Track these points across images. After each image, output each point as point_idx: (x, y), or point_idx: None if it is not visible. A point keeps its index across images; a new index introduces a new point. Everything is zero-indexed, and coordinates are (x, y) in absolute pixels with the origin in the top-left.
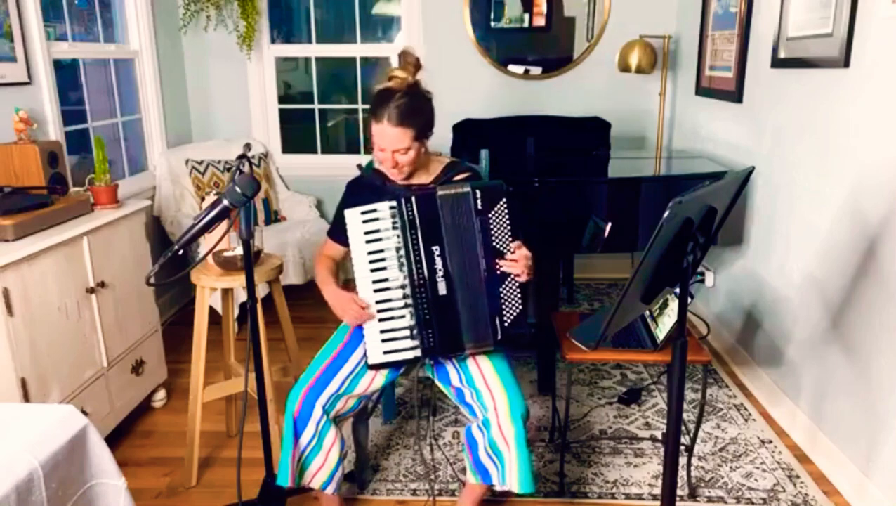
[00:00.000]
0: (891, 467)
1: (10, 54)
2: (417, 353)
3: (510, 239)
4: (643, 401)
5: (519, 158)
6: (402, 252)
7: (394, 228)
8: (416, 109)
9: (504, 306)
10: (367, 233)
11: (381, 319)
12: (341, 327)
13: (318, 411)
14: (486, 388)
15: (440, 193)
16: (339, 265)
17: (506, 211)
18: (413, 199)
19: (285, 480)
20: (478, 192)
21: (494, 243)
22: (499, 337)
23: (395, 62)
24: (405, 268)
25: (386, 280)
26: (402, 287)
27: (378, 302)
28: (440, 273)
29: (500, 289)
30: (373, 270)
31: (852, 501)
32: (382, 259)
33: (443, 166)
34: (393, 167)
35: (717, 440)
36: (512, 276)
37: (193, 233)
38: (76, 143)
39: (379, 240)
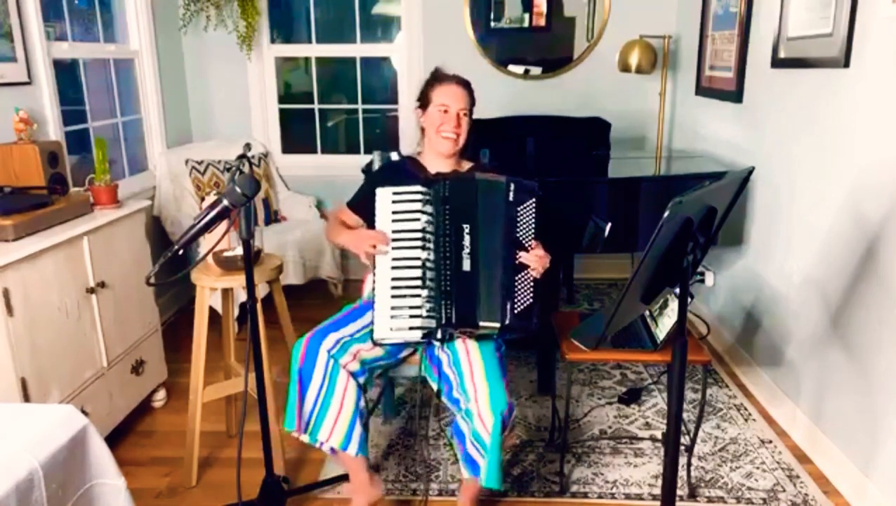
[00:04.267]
0: (891, 467)
1: (10, 54)
2: (430, 328)
3: (532, 236)
4: (643, 401)
5: (519, 158)
6: (431, 230)
7: (423, 211)
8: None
9: (517, 295)
10: (395, 213)
11: (393, 296)
12: (344, 308)
13: (323, 356)
14: (470, 376)
15: (478, 176)
16: None
17: (534, 209)
18: (451, 179)
19: (291, 424)
20: (512, 184)
21: (518, 235)
22: (507, 322)
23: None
24: (431, 245)
25: (405, 259)
26: (422, 267)
27: (393, 280)
28: (466, 250)
29: (516, 278)
30: (394, 249)
31: (852, 501)
32: (405, 238)
33: (471, 164)
34: (456, 127)
35: (717, 440)
36: (528, 269)
37: (193, 233)
38: (76, 143)
39: (405, 221)
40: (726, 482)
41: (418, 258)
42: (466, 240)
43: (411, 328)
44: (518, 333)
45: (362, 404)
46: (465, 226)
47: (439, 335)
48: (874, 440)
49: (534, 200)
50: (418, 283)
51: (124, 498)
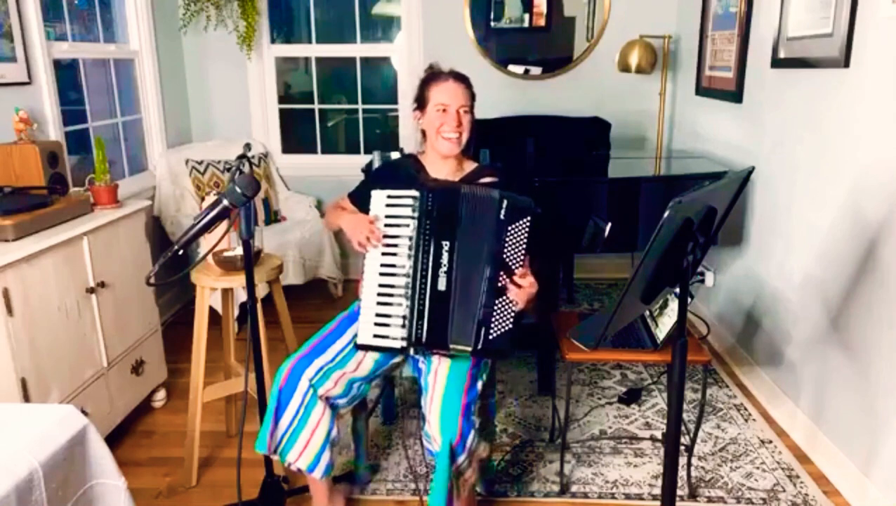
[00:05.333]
0: (891, 467)
1: (10, 54)
2: (404, 343)
3: (522, 257)
4: (643, 401)
5: (519, 158)
6: (414, 242)
7: (412, 217)
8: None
9: (494, 319)
10: (388, 217)
11: (379, 303)
12: (338, 315)
13: (304, 384)
14: (430, 398)
15: (463, 190)
16: None
17: (526, 229)
18: (436, 190)
19: (263, 446)
20: (505, 201)
21: (505, 257)
22: (479, 346)
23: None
24: (412, 258)
25: (393, 266)
26: (407, 276)
27: (381, 286)
28: (444, 268)
29: (496, 301)
30: (384, 254)
31: (852, 501)
32: (395, 245)
33: (473, 167)
34: (457, 126)
35: (717, 440)
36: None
37: (193, 233)
38: (76, 143)
39: (397, 226)
40: (726, 482)
41: (405, 266)
42: (444, 257)
43: (393, 337)
44: (492, 357)
45: (335, 432)
46: (444, 242)
47: (412, 352)
48: (874, 440)
49: (528, 218)
50: (402, 291)
51: (124, 498)
